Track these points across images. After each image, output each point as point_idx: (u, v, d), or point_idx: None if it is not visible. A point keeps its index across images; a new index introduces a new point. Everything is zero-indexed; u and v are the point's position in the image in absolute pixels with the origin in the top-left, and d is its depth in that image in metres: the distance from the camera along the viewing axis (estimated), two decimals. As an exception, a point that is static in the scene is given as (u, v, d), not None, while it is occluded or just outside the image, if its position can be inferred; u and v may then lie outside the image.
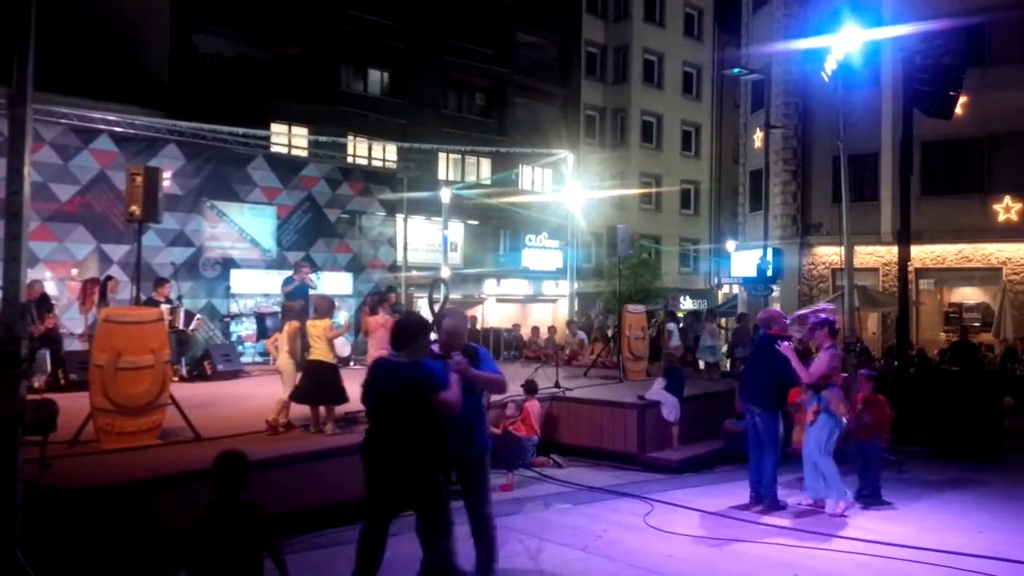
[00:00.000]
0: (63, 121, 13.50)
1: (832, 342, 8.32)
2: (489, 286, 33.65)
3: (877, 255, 23.32)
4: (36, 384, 11.16)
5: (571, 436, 11.19)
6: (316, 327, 8.61)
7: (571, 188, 21.00)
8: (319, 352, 8.52)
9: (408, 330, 5.39)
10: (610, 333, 17.04)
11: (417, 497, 5.21)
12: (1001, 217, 21.56)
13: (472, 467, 5.68)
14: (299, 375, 8.64)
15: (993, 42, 21.42)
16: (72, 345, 12.32)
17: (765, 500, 8.29)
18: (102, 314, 8.49)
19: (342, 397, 8.49)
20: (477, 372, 5.50)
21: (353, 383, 8.91)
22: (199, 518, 4.30)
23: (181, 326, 12.72)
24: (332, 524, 7.12)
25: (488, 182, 32.43)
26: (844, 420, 8.21)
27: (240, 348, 15.17)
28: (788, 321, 8.86)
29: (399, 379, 5.17)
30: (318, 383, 8.41)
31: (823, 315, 8.53)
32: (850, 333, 12.77)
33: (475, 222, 32.90)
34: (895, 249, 15.59)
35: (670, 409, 10.87)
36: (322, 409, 8.53)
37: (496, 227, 34.18)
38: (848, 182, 15.83)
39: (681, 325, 18.39)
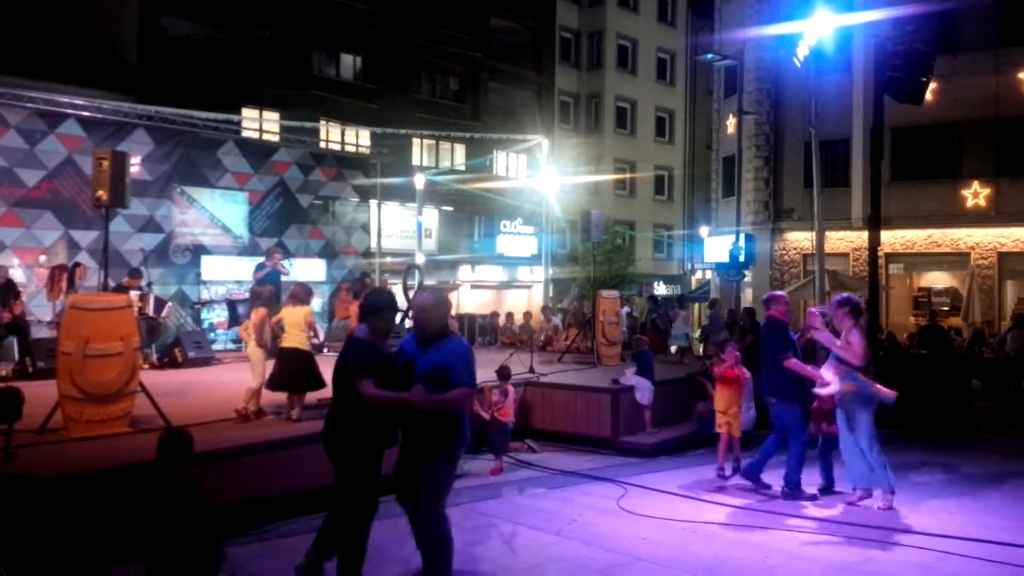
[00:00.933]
0: (29, 105, 13.26)
1: (855, 321, 7.98)
2: (464, 272, 33.59)
3: (848, 240, 23.55)
4: (3, 372, 11.04)
5: (545, 421, 11.21)
6: (295, 314, 8.51)
7: (546, 174, 20.97)
8: (295, 339, 8.44)
9: (369, 306, 5.44)
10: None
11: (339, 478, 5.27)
12: (970, 203, 21.84)
13: (420, 461, 5.18)
14: (270, 362, 8.57)
15: (962, 29, 21.63)
16: (40, 332, 12.15)
17: (786, 485, 8.14)
18: (69, 301, 8.36)
19: (319, 382, 8.46)
20: (440, 398, 5.02)
21: (328, 368, 8.92)
22: (134, 492, 4.35)
23: (151, 313, 12.58)
24: (305, 511, 7.09)
25: (463, 168, 32.33)
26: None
27: (211, 335, 15.02)
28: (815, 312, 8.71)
29: (342, 358, 5.37)
30: (294, 370, 8.35)
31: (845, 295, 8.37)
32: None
33: (450, 208, 32.80)
34: (865, 234, 15.75)
35: (643, 392, 10.92)
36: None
37: (471, 213, 34.11)
38: (819, 168, 15.97)
39: (628, 311, 18.44)
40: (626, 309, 17.27)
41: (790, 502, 7.96)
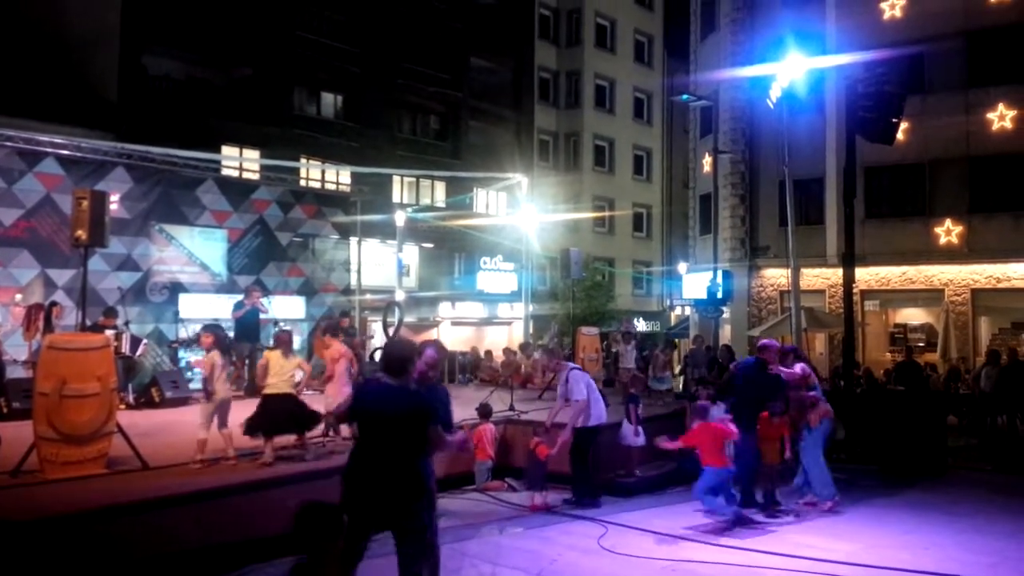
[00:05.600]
0: (7, 144, 13.22)
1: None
2: (444, 309, 33.62)
3: (823, 277, 23.79)
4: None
5: (526, 459, 11.17)
6: (290, 363, 8.67)
7: (525, 211, 21.12)
8: (281, 385, 8.49)
9: (403, 356, 5.34)
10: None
11: (404, 517, 5.11)
12: (943, 240, 22.16)
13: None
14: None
15: (932, 70, 22.12)
16: (16, 372, 12.00)
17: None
18: (46, 340, 8.31)
19: (313, 421, 8.56)
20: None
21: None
22: None
23: (127, 352, 12.48)
24: (284, 554, 7.04)
25: (443, 205, 32.48)
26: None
27: (189, 375, 14.90)
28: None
29: (402, 404, 5.11)
30: (279, 414, 8.35)
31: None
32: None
33: (430, 245, 32.90)
34: (840, 271, 15.92)
35: (634, 435, 10.88)
36: (281, 439, 8.46)
37: (451, 250, 34.21)
38: (794, 206, 16.21)
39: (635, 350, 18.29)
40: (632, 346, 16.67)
41: (764, 537, 8.02)
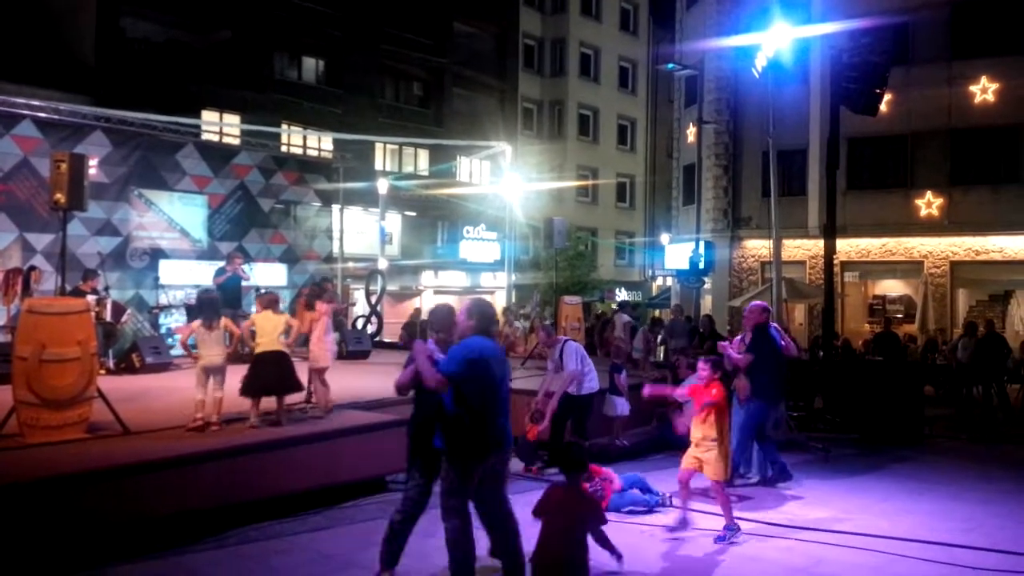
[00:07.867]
0: (-18, 105, 13.02)
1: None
2: (427, 278, 33.57)
3: (804, 248, 23.92)
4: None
5: (519, 435, 11.22)
6: (276, 320, 8.54)
7: (509, 180, 21.04)
8: (272, 343, 8.43)
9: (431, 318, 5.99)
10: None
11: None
12: (923, 212, 22.31)
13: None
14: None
15: (916, 41, 22.13)
16: (-6, 337, 11.92)
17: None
18: (25, 305, 8.22)
19: (298, 385, 8.54)
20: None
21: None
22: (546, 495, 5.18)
23: (109, 318, 12.39)
24: (265, 518, 7.08)
25: (426, 173, 32.31)
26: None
27: (169, 340, 14.82)
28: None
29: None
30: (272, 374, 8.31)
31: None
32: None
33: (413, 213, 32.77)
34: (821, 242, 16.00)
35: (620, 406, 10.94)
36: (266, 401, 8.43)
37: (434, 218, 34.10)
38: (777, 177, 16.20)
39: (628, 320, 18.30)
40: (625, 318, 16.56)
41: (743, 504, 8.11)
